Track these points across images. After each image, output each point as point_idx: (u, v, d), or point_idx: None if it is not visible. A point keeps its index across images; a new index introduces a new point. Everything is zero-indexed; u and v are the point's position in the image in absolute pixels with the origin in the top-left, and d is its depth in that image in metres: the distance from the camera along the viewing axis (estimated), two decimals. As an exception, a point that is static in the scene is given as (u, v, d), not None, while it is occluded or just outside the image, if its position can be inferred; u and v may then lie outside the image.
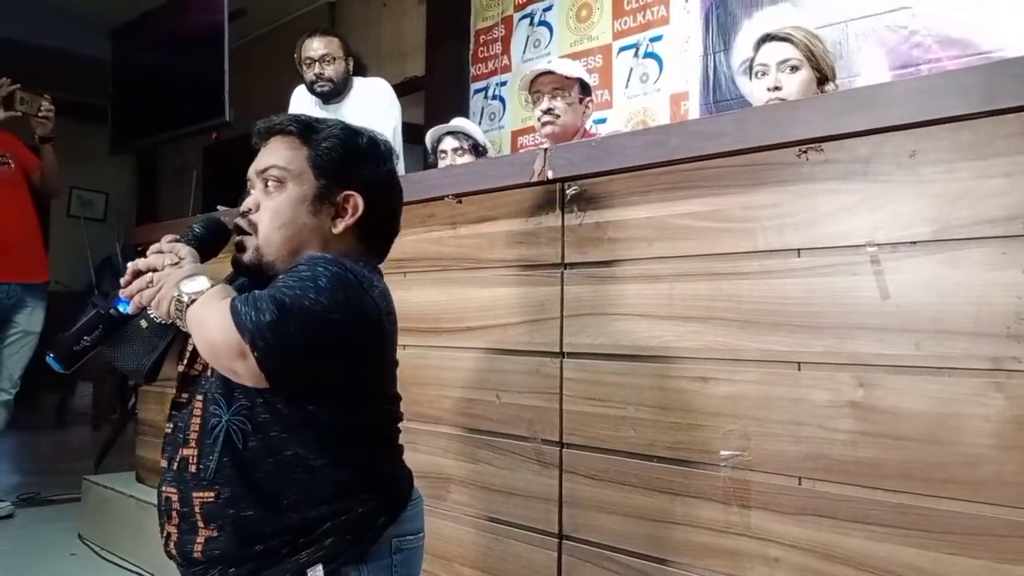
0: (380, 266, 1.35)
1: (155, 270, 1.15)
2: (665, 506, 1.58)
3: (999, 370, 1.21)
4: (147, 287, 1.15)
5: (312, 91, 3.28)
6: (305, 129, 1.27)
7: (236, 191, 3.49)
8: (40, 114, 3.82)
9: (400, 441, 1.36)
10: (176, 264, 1.15)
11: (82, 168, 6.42)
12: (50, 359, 1.18)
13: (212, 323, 1.06)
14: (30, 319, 3.88)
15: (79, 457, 4.46)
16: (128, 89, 5.14)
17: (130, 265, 1.18)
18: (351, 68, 3.32)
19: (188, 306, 1.09)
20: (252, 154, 1.31)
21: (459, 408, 1.99)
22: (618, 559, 1.65)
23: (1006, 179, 1.23)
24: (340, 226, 1.25)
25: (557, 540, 1.76)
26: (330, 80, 3.24)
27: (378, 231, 1.33)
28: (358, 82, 3.37)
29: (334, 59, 3.25)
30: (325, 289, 1.08)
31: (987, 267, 1.24)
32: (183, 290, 1.10)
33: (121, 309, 1.17)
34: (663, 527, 1.58)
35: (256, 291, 1.08)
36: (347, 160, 1.27)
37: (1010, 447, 1.20)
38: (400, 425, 1.35)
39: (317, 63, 3.24)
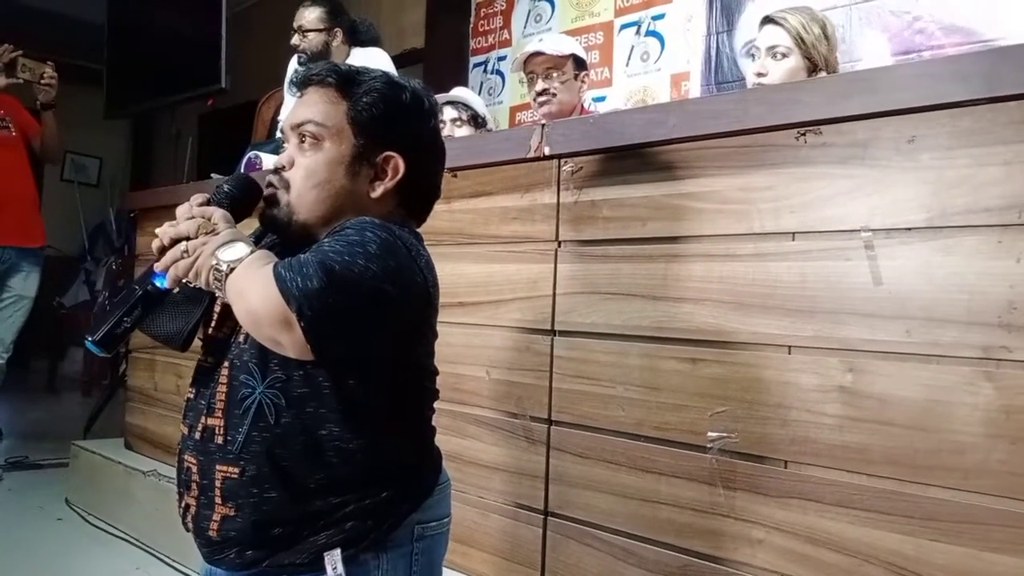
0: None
1: (188, 238, 1.07)
2: (651, 485, 1.58)
3: (989, 359, 1.21)
4: (182, 257, 1.06)
5: (299, 61, 3.25)
6: (345, 81, 1.18)
7: (231, 159, 3.47)
8: (43, 81, 3.78)
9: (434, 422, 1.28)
10: (211, 231, 1.07)
11: (76, 132, 6.35)
12: (90, 344, 1.11)
13: (254, 291, 0.99)
14: (25, 283, 3.86)
15: (69, 422, 4.45)
16: (123, 53, 5.08)
17: (160, 234, 1.09)
18: (334, 40, 3.25)
19: (227, 275, 1.02)
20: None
21: (449, 383, 1.98)
22: (602, 537, 1.66)
23: (1004, 168, 1.22)
24: (379, 189, 1.17)
25: (542, 516, 1.77)
26: (304, 52, 3.20)
27: (419, 195, 1.25)
28: (355, 53, 3.32)
29: (311, 31, 3.20)
30: (375, 256, 1.01)
31: (981, 256, 1.23)
32: (221, 258, 1.02)
33: (158, 284, 1.10)
34: (648, 506, 1.59)
35: (301, 256, 1.00)
36: (389, 118, 1.17)
37: (997, 436, 1.20)
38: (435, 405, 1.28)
39: (296, 33, 3.20)
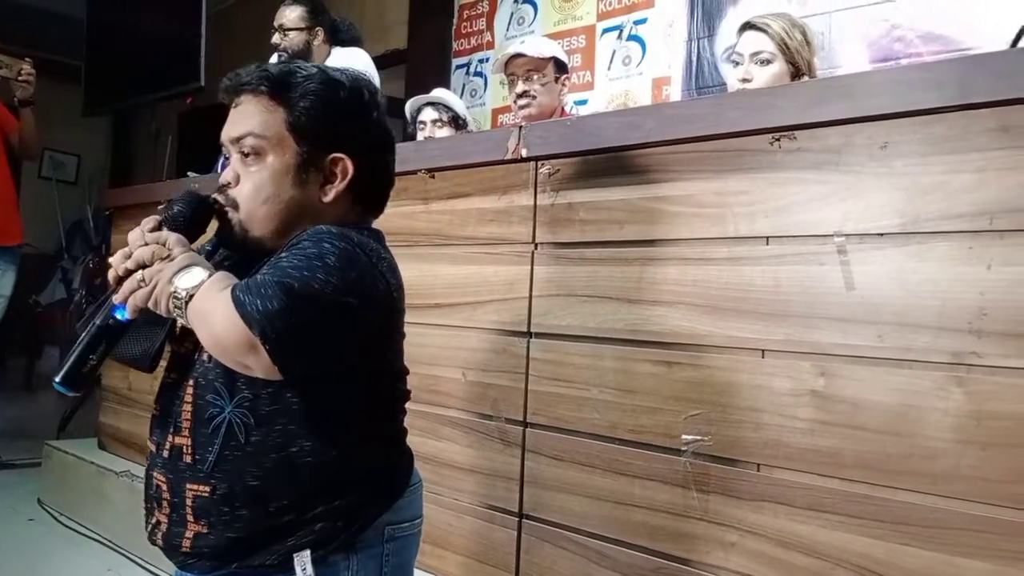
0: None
1: (144, 266, 1.04)
2: (625, 488, 1.58)
3: (960, 364, 1.22)
4: (139, 287, 1.03)
5: (280, 60, 3.23)
6: (278, 87, 1.12)
7: (211, 158, 3.44)
8: (20, 77, 3.73)
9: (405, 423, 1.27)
10: (166, 257, 1.04)
11: (54, 129, 6.28)
12: (58, 386, 1.09)
13: (216, 318, 0.97)
14: (0, 282, 3.82)
15: (43, 421, 4.40)
16: (103, 49, 5.03)
17: (114, 264, 1.06)
18: (315, 39, 3.23)
19: (187, 302, 0.99)
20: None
21: (425, 385, 1.97)
22: (576, 539, 1.65)
23: (977, 174, 1.23)
24: (331, 193, 1.14)
25: (517, 519, 1.76)
26: (285, 51, 3.18)
27: (372, 188, 1.21)
28: (336, 52, 3.31)
29: (292, 30, 3.18)
30: (335, 269, 0.99)
31: (953, 262, 1.24)
32: (179, 285, 1.00)
33: (119, 316, 1.08)
34: (622, 509, 1.59)
35: (258, 276, 0.98)
36: (329, 120, 1.13)
37: (968, 441, 1.20)
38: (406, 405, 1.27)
39: (277, 32, 3.19)
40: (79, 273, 6.47)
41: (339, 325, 1.02)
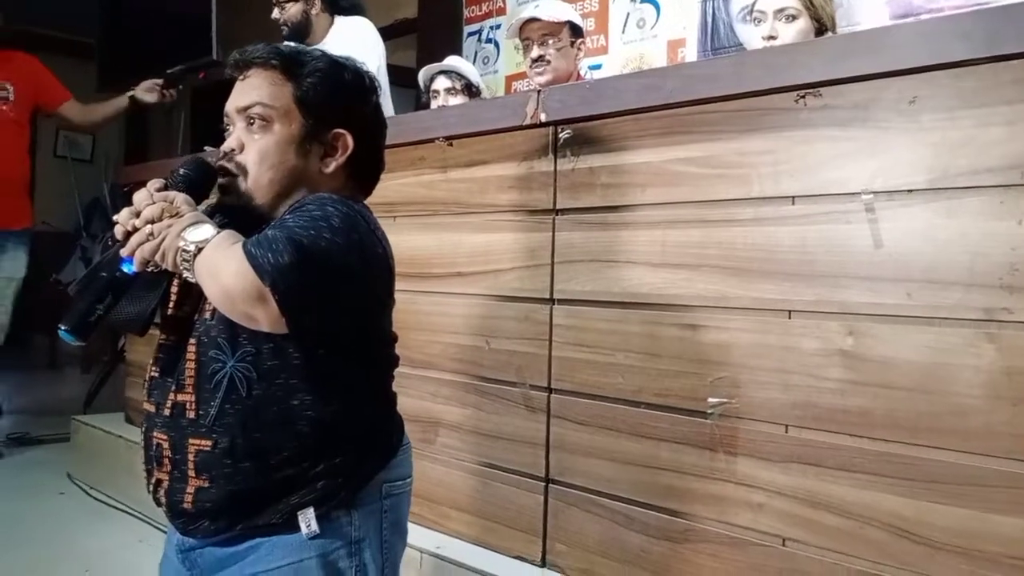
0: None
1: (152, 221, 1.07)
2: (651, 452, 1.59)
3: (991, 321, 1.21)
4: (147, 240, 1.06)
5: (283, 34, 3.19)
6: (289, 63, 1.19)
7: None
8: (163, 90, 3.91)
9: (394, 388, 1.32)
10: (175, 214, 1.08)
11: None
12: (63, 333, 1.11)
13: (226, 269, 1.00)
14: (12, 264, 3.81)
15: (69, 398, 4.46)
16: (115, 26, 5.02)
17: (121, 220, 1.08)
18: (312, 8, 3.18)
19: (195, 255, 1.03)
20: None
21: (448, 353, 1.98)
22: (604, 503, 1.66)
23: (1007, 127, 1.21)
24: (331, 166, 1.20)
25: (544, 484, 1.77)
26: (285, 24, 3.15)
27: (367, 168, 1.29)
28: (339, 22, 3.26)
29: (288, 1, 3.14)
30: (339, 230, 1.05)
31: (983, 217, 1.22)
32: (188, 239, 1.03)
33: (126, 270, 1.10)
34: (649, 472, 1.59)
35: (268, 232, 1.03)
36: (335, 97, 1.21)
37: (999, 398, 1.20)
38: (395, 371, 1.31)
39: (276, 6, 3.15)
40: (98, 251, 6.50)
41: (344, 282, 1.07)
